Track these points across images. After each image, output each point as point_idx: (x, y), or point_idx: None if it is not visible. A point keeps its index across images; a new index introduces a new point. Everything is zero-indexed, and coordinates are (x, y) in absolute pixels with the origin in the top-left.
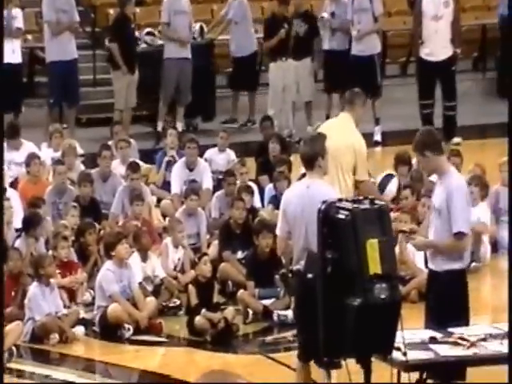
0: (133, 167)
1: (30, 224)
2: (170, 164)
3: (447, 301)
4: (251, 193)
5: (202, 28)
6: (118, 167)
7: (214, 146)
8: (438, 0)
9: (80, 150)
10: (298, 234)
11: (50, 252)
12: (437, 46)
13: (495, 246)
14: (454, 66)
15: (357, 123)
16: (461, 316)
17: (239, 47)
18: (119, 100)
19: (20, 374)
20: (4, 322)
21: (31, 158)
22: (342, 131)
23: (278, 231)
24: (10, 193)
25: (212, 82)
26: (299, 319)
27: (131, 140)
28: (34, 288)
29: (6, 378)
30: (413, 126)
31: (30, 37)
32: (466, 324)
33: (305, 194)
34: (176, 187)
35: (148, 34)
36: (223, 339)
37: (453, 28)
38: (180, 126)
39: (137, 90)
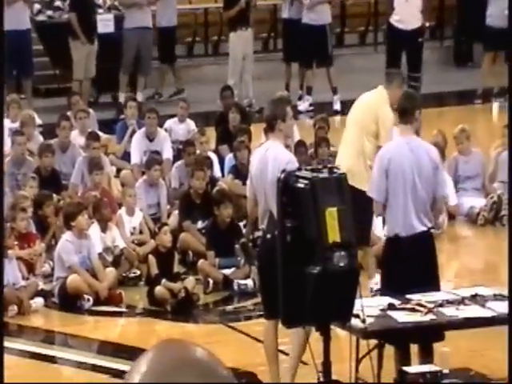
0: (93, 136)
1: None
2: (132, 135)
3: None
4: (210, 163)
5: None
6: (76, 138)
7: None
8: None
9: (38, 121)
10: (260, 196)
11: (8, 224)
12: (407, 14)
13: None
14: (422, 37)
15: (392, 102)
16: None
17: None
18: (78, 70)
19: None
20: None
21: None
22: (372, 102)
23: (247, 193)
24: None
25: None
26: (261, 278)
27: (90, 110)
28: None
29: None
30: None
31: None
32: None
33: (263, 157)
34: (136, 157)
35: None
36: (183, 309)
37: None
38: (140, 96)
39: (96, 60)
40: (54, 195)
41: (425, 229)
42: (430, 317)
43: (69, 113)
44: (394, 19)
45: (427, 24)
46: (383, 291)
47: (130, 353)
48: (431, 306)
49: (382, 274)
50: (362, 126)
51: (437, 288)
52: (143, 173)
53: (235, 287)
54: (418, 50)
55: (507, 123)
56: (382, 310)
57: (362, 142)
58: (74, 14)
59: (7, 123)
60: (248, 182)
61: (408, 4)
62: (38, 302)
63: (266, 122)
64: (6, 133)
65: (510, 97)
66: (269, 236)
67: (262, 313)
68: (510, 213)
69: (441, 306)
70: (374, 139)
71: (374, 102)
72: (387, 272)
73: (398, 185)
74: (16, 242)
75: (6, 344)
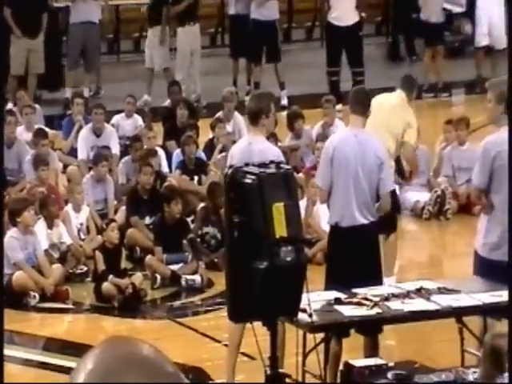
0: (41, 134)
1: None
2: (79, 131)
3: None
4: (156, 157)
5: None
6: (23, 133)
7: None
8: None
9: None
10: None
11: None
12: (343, 10)
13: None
14: (360, 31)
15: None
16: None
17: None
18: (14, 65)
19: None
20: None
21: None
22: (397, 106)
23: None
24: None
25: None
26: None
27: (36, 106)
28: None
29: None
30: (319, 89)
31: None
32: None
33: (246, 150)
34: (83, 153)
35: None
36: (131, 305)
37: None
38: (86, 92)
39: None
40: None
41: (366, 222)
42: (375, 310)
43: (14, 108)
44: (332, 17)
45: (364, 15)
46: (328, 284)
47: (78, 349)
48: (377, 299)
49: (327, 265)
50: (388, 129)
51: (378, 282)
52: (90, 168)
53: (183, 283)
54: (358, 44)
55: (507, 122)
56: (328, 304)
57: (389, 144)
58: (8, 8)
59: None
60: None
61: (343, 0)
62: None
63: (249, 115)
64: None
65: (509, 98)
66: None
67: (209, 308)
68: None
69: (386, 299)
70: (396, 141)
71: (399, 106)
72: (330, 262)
73: (340, 174)
74: None
75: None
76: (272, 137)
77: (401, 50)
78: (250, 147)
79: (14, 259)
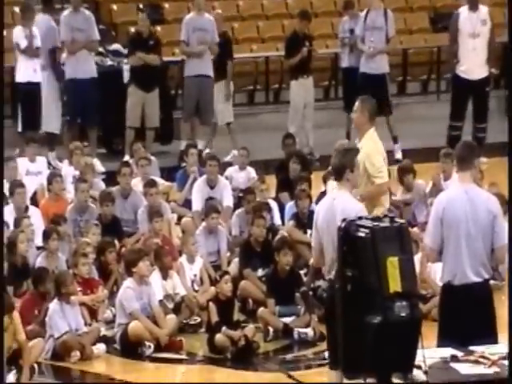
0: (150, 183)
1: (47, 237)
2: (193, 182)
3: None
4: (269, 210)
5: None
6: (138, 185)
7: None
8: (475, 18)
9: (101, 168)
10: (327, 245)
11: (71, 270)
12: (473, 64)
13: None
14: (488, 87)
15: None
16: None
17: None
18: (130, 117)
19: None
20: (3, 333)
21: (53, 176)
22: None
23: (312, 243)
24: (32, 210)
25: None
26: (329, 327)
27: (152, 157)
28: (54, 305)
29: None
30: (434, 143)
31: None
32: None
33: (330, 207)
34: (197, 205)
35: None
36: (243, 357)
37: (489, 47)
38: (201, 144)
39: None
40: (116, 242)
41: (480, 280)
42: (494, 369)
43: (130, 160)
44: (460, 70)
45: (494, 70)
46: (440, 341)
47: None
48: (495, 358)
49: (440, 322)
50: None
51: (494, 340)
52: (203, 220)
53: (295, 336)
54: (485, 99)
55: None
56: (444, 361)
57: None
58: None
59: (71, 170)
60: (313, 231)
61: (475, 53)
62: (100, 347)
63: (334, 170)
64: (70, 180)
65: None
66: (338, 286)
67: (322, 362)
68: (510, 215)
69: (505, 358)
70: None
71: None
72: (443, 319)
73: (450, 234)
74: (79, 288)
75: None
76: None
77: None
78: (334, 203)
79: (130, 309)
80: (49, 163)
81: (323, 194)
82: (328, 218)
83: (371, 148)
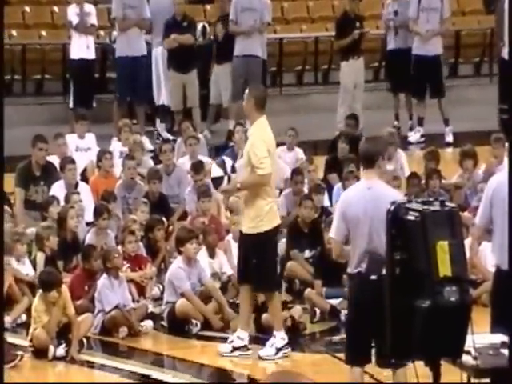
0: (196, 168)
1: (98, 215)
2: None
3: None
4: (322, 192)
5: (204, 28)
6: (186, 163)
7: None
8: None
9: (150, 146)
10: (361, 236)
11: (119, 247)
12: None
13: None
14: None
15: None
16: None
17: None
18: (172, 98)
19: (90, 365)
20: (3, 325)
21: (103, 153)
22: None
23: (333, 234)
24: (82, 186)
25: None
26: (355, 322)
27: (200, 136)
28: (103, 280)
29: (76, 369)
30: (485, 127)
31: (102, 33)
32: None
33: (366, 196)
34: None
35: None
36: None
37: None
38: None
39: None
40: (164, 220)
41: None
42: None
43: (179, 139)
44: (506, 52)
45: None
46: (494, 327)
47: (236, 378)
48: None
49: (492, 308)
50: None
51: None
52: None
53: (342, 318)
54: None
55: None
56: (494, 347)
57: None
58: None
59: (119, 146)
60: (338, 222)
61: None
62: (148, 324)
63: (367, 158)
64: (117, 155)
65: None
66: (373, 277)
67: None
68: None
69: None
70: None
71: None
72: (495, 305)
73: (497, 215)
74: (128, 265)
75: (116, 365)
76: (435, 173)
77: None
78: (371, 192)
79: (182, 289)
80: (158, 135)
81: None
82: (365, 207)
83: (257, 137)
